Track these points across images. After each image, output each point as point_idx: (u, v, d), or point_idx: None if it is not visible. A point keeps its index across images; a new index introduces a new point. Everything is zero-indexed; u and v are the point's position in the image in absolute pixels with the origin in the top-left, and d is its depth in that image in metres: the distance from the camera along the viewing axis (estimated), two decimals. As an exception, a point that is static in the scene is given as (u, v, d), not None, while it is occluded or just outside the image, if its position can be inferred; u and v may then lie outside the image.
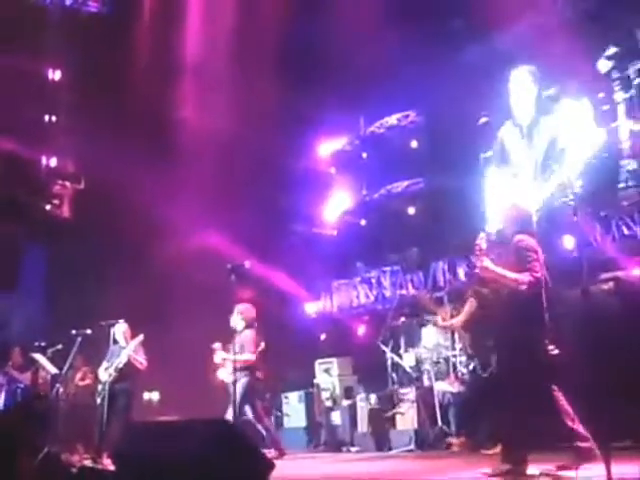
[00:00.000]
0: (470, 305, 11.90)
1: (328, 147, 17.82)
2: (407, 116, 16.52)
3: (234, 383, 10.80)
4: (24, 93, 15.52)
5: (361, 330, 16.00)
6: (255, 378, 11.41)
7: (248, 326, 11.42)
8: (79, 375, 14.09)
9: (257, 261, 12.20)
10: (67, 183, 16.63)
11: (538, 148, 9.57)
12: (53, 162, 16.58)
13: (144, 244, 15.47)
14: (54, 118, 16.61)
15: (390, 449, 11.94)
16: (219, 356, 11.61)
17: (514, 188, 8.68)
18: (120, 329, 12.20)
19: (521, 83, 9.30)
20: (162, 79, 15.98)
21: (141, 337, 12.09)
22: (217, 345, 11.68)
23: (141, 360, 12.07)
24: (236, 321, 11.38)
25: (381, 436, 12.43)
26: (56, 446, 11.81)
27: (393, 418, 12.35)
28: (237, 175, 15.84)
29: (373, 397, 13.06)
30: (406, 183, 16.35)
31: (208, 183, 15.53)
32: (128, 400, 12.00)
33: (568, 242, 12.08)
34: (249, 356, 11.19)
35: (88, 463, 10.75)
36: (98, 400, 11.99)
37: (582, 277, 11.16)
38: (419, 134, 16.41)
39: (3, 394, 14.53)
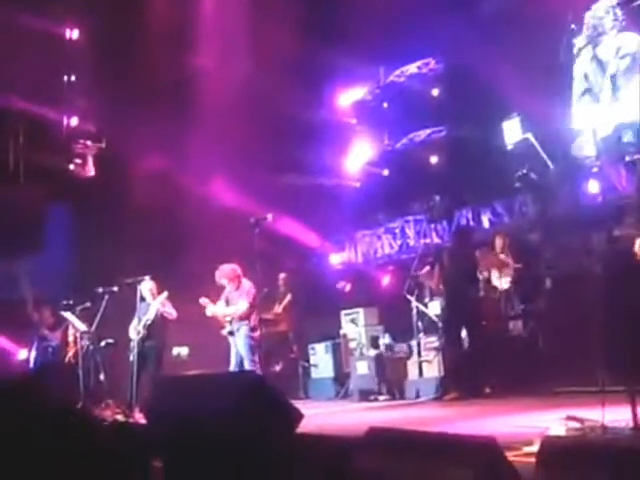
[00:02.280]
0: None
1: (348, 97, 17.67)
2: (427, 64, 16.34)
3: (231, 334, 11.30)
4: (43, 53, 15.48)
5: (386, 280, 16.02)
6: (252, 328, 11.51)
7: (235, 285, 11.58)
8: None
9: (279, 214, 12.21)
10: (89, 142, 16.64)
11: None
12: (74, 122, 16.56)
13: (167, 201, 15.52)
14: (73, 78, 16.57)
15: (417, 397, 12.04)
16: (209, 310, 11.78)
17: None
18: (146, 286, 12.29)
19: None
20: (180, 35, 15.88)
21: (166, 293, 12.18)
22: (203, 300, 11.81)
23: (170, 311, 12.18)
24: (226, 282, 11.62)
25: (408, 384, 12.53)
26: (88, 402, 12.06)
27: (420, 366, 12.42)
28: (257, 130, 15.76)
29: (400, 346, 13.14)
30: (428, 131, 16.23)
31: (227, 138, 15.49)
32: (158, 356, 12.13)
33: (592, 187, 12.03)
34: (245, 305, 11.37)
35: (120, 417, 10.94)
36: (130, 357, 12.12)
37: (608, 221, 11.17)
38: (440, 82, 16.23)
39: (34, 353, 14.76)
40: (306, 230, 16.86)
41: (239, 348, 11.37)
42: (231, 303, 11.55)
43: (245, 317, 11.38)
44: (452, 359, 11.69)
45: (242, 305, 11.35)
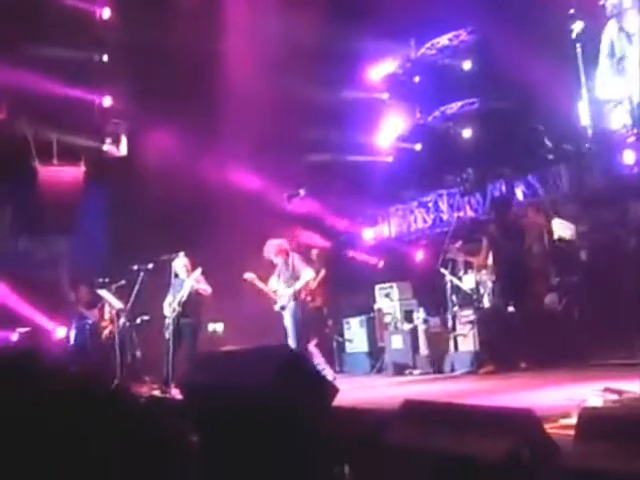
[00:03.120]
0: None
1: (379, 71, 17.54)
2: (458, 35, 16.17)
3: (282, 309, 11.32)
4: (73, 33, 15.56)
5: (420, 254, 15.96)
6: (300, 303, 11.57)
7: (283, 259, 11.63)
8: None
9: (312, 192, 12.24)
10: (121, 121, 16.72)
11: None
12: (107, 102, 16.63)
13: (200, 180, 15.56)
14: (105, 58, 16.62)
15: (452, 371, 12.03)
16: (255, 284, 11.87)
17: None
18: (180, 262, 12.30)
19: None
20: (210, 16, 15.86)
21: (200, 270, 12.22)
22: (249, 276, 11.88)
23: (205, 287, 12.22)
24: (277, 258, 11.64)
25: (443, 358, 12.52)
26: (125, 378, 12.19)
27: (455, 340, 12.40)
28: (287, 110, 15.74)
29: (434, 320, 13.12)
30: (460, 104, 16.09)
31: (257, 119, 15.45)
32: (194, 333, 12.18)
33: (628, 157, 11.87)
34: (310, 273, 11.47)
35: (157, 394, 11.04)
36: (166, 334, 12.19)
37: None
38: (471, 54, 16.07)
39: (74, 330, 14.94)
40: (337, 208, 16.86)
41: (286, 323, 11.42)
42: (282, 278, 11.57)
43: (297, 293, 11.46)
44: (490, 332, 11.64)
45: (307, 273, 11.48)
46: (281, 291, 11.56)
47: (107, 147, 16.78)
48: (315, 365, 10.46)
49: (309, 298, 11.91)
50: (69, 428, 3.89)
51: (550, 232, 12.27)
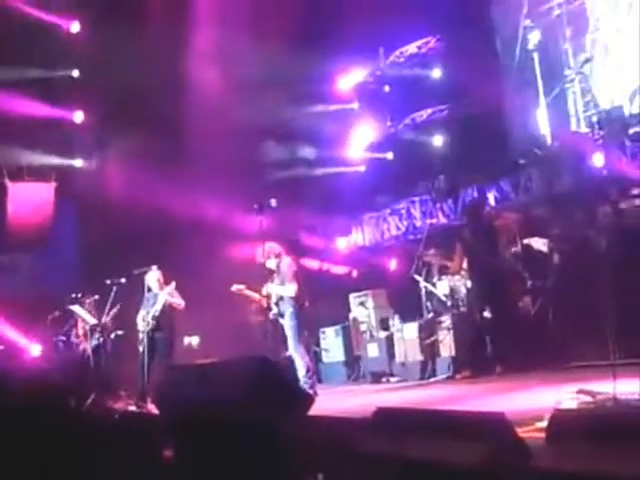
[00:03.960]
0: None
1: (349, 81, 17.59)
2: (427, 43, 16.27)
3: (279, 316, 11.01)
4: (41, 47, 15.49)
5: (393, 261, 15.99)
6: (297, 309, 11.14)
7: (280, 261, 11.24)
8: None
9: (284, 200, 12.16)
10: (91, 137, 16.65)
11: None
12: (78, 117, 16.54)
13: (168, 196, 15.49)
14: (75, 73, 16.54)
15: (429, 377, 12.04)
16: (246, 294, 11.71)
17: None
18: (153, 276, 12.25)
19: None
20: (174, 33, 15.83)
21: (173, 284, 12.15)
22: (237, 287, 11.73)
23: (178, 301, 12.15)
24: (270, 262, 11.32)
25: (419, 365, 12.53)
26: (101, 394, 12.09)
27: (431, 346, 12.42)
28: (255, 128, 15.76)
29: (410, 327, 13.13)
30: (430, 111, 16.19)
31: (224, 138, 15.43)
32: (168, 346, 12.12)
33: (597, 160, 11.96)
34: (293, 287, 11.01)
35: (132, 409, 10.96)
36: (140, 348, 12.12)
37: (612, 194, 11.12)
38: (440, 61, 16.20)
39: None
40: (309, 220, 16.87)
41: (285, 330, 11.06)
42: (276, 283, 11.18)
43: (296, 296, 11.03)
44: (466, 337, 11.68)
45: (289, 289, 10.98)
46: (275, 297, 11.16)
47: (78, 163, 16.70)
48: (293, 375, 10.38)
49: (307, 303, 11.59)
50: (38, 445, 3.86)
51: (522, 236, 12.35)
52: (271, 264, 11.20)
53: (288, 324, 10.96)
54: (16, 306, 14.70)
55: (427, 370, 12.21)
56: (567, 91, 13.35)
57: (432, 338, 12.43)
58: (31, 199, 16.23)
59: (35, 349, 15.13)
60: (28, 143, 15.85)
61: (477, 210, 12.75)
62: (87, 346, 13.48)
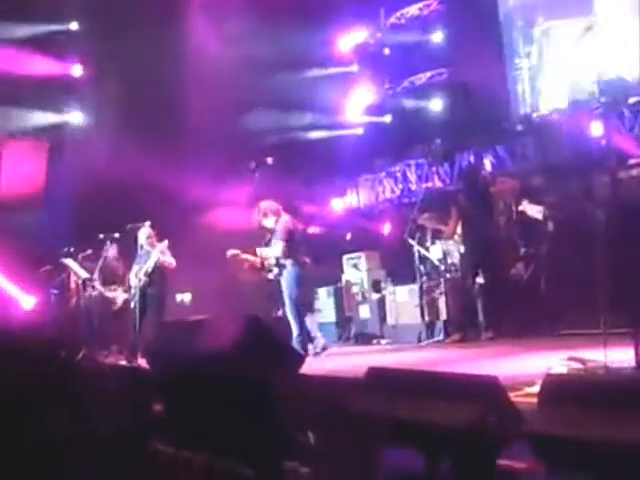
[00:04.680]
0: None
1: (349, 41, 17.43)
2: (429, 5, 16.11)
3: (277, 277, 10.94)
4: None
5: (387, 224, 15.97)
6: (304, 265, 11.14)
7: (277, 219, 11.14)
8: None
9: (280, 161, 12.07)
10: (86, 91, 16.54)
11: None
12: (77, 71, 16.39)
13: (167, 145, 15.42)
14: (74, 26, 16.40)
15: (420, 340, 12.08)
16: (242, 258, 11.61)
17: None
18: (144, 233, 12.19)
19: None
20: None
21: (165, 242, 12.11)
22: (232, 253, 11.63)
23: (170, 260, 12.13)
24: (267, 220, 11.23)
25: (410, 328, 12.57)
26: (92, 348, 12.12)
27: (422, 310, 12.44)
28: (257, 76, 15.65)
29: (402, 289, 13.14)
30: (429, 74, 16.07)
31: (222, 95, 15.33)
32: (159, 303, 12.13)
33: (596, 129, 11.90)
34: (280, 245, 10.91)
35: (123, 363, 11.00)
36: (132, 304, 12.14)
37: (610, 164, 11.09)
38: (441, 23, 16.05)
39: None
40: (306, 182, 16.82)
41: (283, 289, 10.96)
42: (270, 243, 11.09)
43: (285, 256, 10.93)
44: (457, 302, 11.70)
45: (276, 248, 10.92)
46: (273, 258, 11.04)
47: (72, 119, 16.60)
48: (284, 334, 10.36)
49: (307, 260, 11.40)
50: (29, 396, 3.86)
51: (517, 202, 12.31)
52: (268, 223, 11.11)
53: (284, 284, 10.91)
54: (9, 260, 14.69)
55: (419, 333, 12.25)
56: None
57: (423, 302, 12.45)
58: (24, 158, 16.18)
59: (28, 302, 15.14)
60: (21, 101, 15.74)
61: (473, 175, 12.72)
62: (79, 300, 13.48)
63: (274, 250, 10.92)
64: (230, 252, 11.63)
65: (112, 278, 13.68)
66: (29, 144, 16.25)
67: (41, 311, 14.65)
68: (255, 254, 11.37)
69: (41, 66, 15.65)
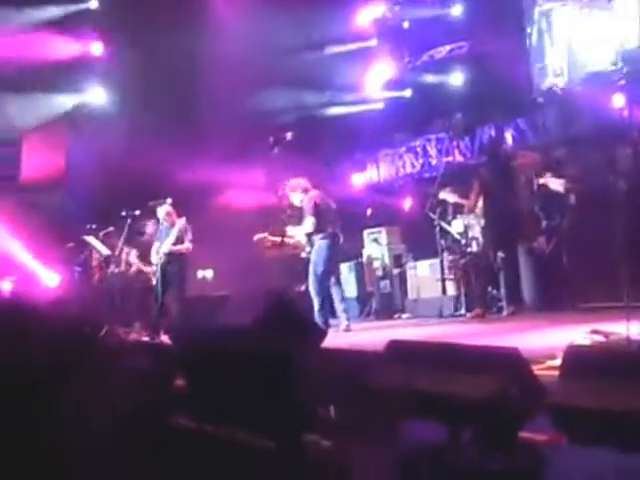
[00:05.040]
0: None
1: (367, 15, 17.28)
2: (448, -23, 15.96)
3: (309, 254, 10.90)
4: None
5: (408, 199, 15.93)
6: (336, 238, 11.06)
7: (305, 196, 11.12)
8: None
9: (300, 136, 12.06)
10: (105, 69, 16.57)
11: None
12: (97, 49, 16.40)
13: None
14: (94, 4, 16.41)
15: (440, 315, 12.08)
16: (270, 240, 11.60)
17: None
18: (163, 210, 12.25)
19: None
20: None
21: (184, 219, 12.12)
22: (260, 236, 11.61)
23: (186, 246, 12.13)
24: (296, 197, 11.21)
25: (431, 302, 12.57)
26: (114, 325, 12.19)
27: (443, 284, 12.43)
28: (276, 54, 15.59)
29: (423, 264, 13.13)
30: (449, 47, 15.93)
31: (246, 67, 15.28)
32: (180, 279, 12.17)
33: (618, 100, 11.79)
34: (310, 221, 10.89)
35: (145, 339, 11.06)
36: (153, 280, 12.20)
37: (633, 135, 10.97)
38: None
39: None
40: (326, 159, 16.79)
41: (310, 264, 10.91)
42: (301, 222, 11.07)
43: (316, 231, 10.91)
44: (478, 276, 11.65)
45: (307, 224, 10.88)
46: (301, 237, 11.06)
47: (94, 100, 16.65)
48: (306, 309, 10.34)
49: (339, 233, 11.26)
50: (53, 372, 3.88)
51: (539, 176, 12.22)
52: (296, 199, 11.09)
53: (312, 259, 10.87)
54: (35, 238, 14.79)
55: (440, 308, 12.24)
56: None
57: (444, 276, 12.44)
58: (46, 141, 16.28)
59: (53, 279, 15.24)
60: (42, 85, 15.79)
61: (495, 149, 12.61)
62: (101, 277, 13.57)
63: (304, 227, 10.92)
64: (257, 236, 11.63)
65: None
66: (50, 126, 16.31)
67: (65, 288, 14.75)
68: (281, 233, 11.38)
69: (61, 48, 15.68)
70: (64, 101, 16.51)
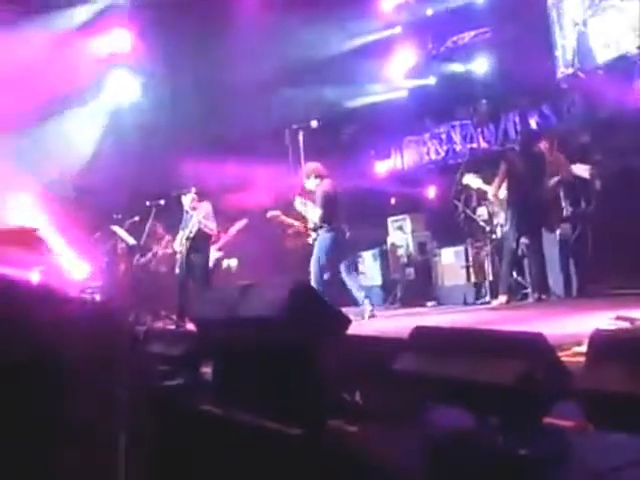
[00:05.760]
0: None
1: (391, 1, 17.21)
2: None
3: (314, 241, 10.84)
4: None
5: (432, 186, 15.89)
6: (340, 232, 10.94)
7: (320, 182, 10.97)
8: (163, 243, 14.36)
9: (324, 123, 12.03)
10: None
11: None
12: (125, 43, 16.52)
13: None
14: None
15: (465, 302, 12.06)
16: (282, 219, 11.61)
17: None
18: (188, 199, 12.30)
19: None
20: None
21: (208, 207, 12.15)
22: (272, 213, 11.62)
23: (211, 226, 12.18)
24: (310, 182, 11.15)
25: (456, 290, 12.55)
26: (141, 313, 12.30)
27: (468, 271, 12.41)
28: (299, 40, 15.57)
29: (447, 251, 13.10)
30: (472, 33, 15.84)
31: (270, 61, 15.30)
32: (204, 268, 12.24)
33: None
34: (317, 212, 10.79)
35: (171, 327, 11.14)
36: (176, 269, 12.27)
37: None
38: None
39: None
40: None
41: (313, 253, 10.80)
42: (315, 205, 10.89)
43: (321, 222, 10.80)
44: (503, 263, 11.57)
45: (314, 213, 10.78)
46: (312, 222, 10.89)
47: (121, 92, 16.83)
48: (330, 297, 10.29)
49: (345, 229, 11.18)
50: (83, 361, 3.93)
51: (564, 163, 12.12)
52: (311, 185, 11.01)
53: (315, 249, 10.76)
54: (65, 228, 14.90)
55: (465, 295, 12.22)
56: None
57: (469, 264, 12.41)
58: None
59: (83, 269, 15.32)
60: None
61: (532, 138, 12.32)
62: (127, 266, 13.66)
63: (312, 215, 10.85)
64: (270, 213, 11.65)
65: None
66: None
67: (95, 277, 14.86)
68: (297, 218, 11.36)
69: (94, 46, 15.89)
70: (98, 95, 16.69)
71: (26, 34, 14.73)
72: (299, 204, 10.96)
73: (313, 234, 10.94)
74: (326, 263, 10.83)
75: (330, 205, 10.81)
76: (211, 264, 12.84)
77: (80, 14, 15.82)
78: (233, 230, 13.35)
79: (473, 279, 12.38)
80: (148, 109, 16.17)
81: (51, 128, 15.75)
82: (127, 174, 15.48)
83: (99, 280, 14.52)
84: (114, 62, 16.73)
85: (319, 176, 10.95)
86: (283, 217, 11.65)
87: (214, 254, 13.27)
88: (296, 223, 11.54)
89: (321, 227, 10.82)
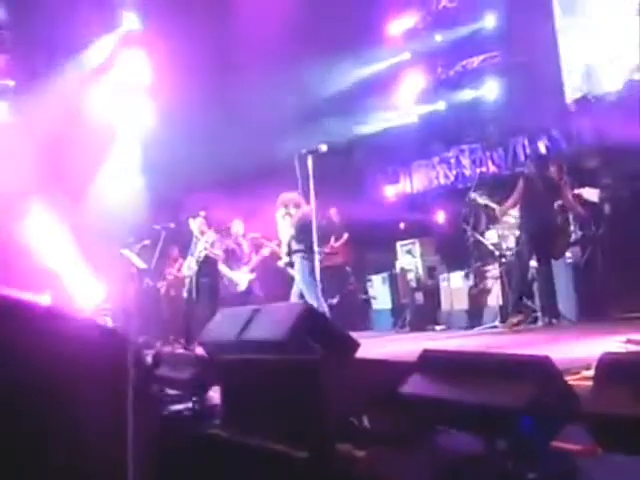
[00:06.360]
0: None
1: (399, 26, 17.30)
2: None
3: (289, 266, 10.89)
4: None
5: (441, 211, 15.90)
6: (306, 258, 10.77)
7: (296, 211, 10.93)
8: (176, 266, 14.38)
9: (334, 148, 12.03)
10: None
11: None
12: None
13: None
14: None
15: (474, 326, 12.02)
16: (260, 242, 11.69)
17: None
18: (196, 223, 12.33)
19: None
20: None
21: (212, 234, 12.21)
22: (253, 235, 11.67)
23: (217, 252, 12.22)
24: (283, 211, 10.98)
25: (465, 314, 12.51)
26: (149, 337, 12.30)
27: (477, 296, 12.37)
28: (311, 71, 15.64)
29: (456, 275, 13.07)
30: (482, 57, 15.91)
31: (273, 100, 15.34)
32: (212, 291, 12.25)
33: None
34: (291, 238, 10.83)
35: (180, 351, 11.13)
36: (184, 293, 12.29)
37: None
38: (493, 6, 15.86)
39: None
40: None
41: (297, 281, 10.88)
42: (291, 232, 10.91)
43: (294, 251, 10.78)
44: (514, 287, 11.51)
45: (289, 239, 10.83)
46: (285, 247, 10.94)
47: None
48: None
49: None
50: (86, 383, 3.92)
51: (573, 187, 12.08)
52: (284, 214, 10.95)
53: (297, 277, 10.77)
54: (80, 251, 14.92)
55: (473, 319, 12.18)
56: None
57: (478, 288, 12.38)
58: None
59: (98, 293, 15.29)
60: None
61: (544, 162, 12.22)
62: (137, 290, 13.67)
63: (287, 240, 10.88)
64: (250, 235, 11.70)
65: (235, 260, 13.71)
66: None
67: (107, 301, 14.85)
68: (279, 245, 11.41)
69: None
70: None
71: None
72: (280, 217, 11.01)
73: (285, 258, 10.96)
74: (312, 281, 10.64)
75: (304, 233, 10.65)
76: (243, 287, 12.87)
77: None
78: (265, 252, 13.28)
79: (482, 303, 12.33)
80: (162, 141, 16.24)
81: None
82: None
83: (111, 303, 14.54)
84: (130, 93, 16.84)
85: (296, 205, 10.91)
86: (261, 240, 11.72)
87: (247, 276, 13.27)
88: (272, 245, 11.63)
89: (296, 252, 10.83)
